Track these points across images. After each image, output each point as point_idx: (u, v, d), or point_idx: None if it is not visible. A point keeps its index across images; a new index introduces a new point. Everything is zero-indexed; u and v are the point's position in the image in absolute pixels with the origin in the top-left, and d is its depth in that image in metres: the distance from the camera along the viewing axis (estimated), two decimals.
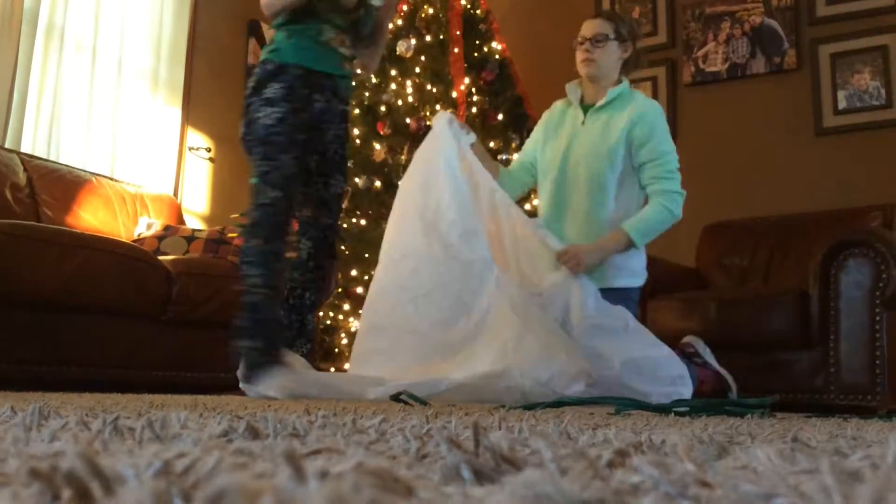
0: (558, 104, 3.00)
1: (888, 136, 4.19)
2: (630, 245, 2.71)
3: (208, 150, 4.66)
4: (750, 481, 0.33)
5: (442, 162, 2.64)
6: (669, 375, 2.62)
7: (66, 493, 0.25)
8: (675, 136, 4.65)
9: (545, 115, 3.01)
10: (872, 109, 4.25)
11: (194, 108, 4.61)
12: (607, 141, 2.73)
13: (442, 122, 2.73)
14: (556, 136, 2.87)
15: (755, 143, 4.44)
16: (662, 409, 1.88)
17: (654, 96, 4.84)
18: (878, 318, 3.15)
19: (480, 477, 0.37)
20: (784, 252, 3.98)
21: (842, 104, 4.32)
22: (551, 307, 2.60)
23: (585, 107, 2.87)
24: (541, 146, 2.92)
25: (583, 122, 2.84)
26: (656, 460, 0.36)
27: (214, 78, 4.76)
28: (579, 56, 2.86)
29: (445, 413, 1.29)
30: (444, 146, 2.66)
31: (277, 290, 2.44)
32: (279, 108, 2.40)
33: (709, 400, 2.17)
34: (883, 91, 4.24)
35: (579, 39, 2.89)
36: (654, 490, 0.32)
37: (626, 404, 1.93)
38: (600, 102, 2.80)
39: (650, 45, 4.92)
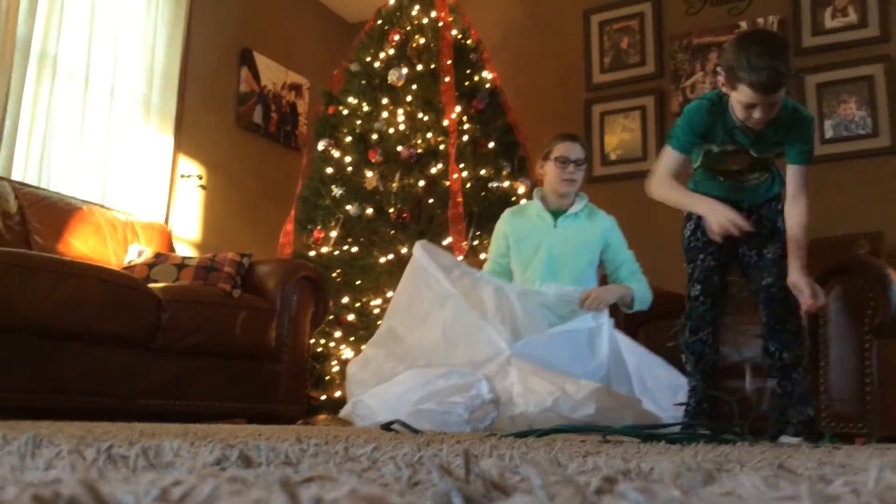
0: (507, 216, 3.40)
1: (874, 165, 4.24)
2: (630, 304, 3.22)
3: (200, 177, 4.68)
4: None
5: (427, 294, 3.03)
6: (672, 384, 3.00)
7: None
8: None
9: (504, 227, 3.38)
10: (859, 139, 4.31)
11: (186, 136, 4.63)
12: (588, 242, 3.26)
13: (417, 252, 3.10)
14: (527, 240, 3.29)
15: None
16: (653, 437, 1.88)
17: (643, 125, 4.89)
18: (867, 346, 3.17)
19: None
20: None
21: (828, 133, 4.37)
22: (574, 342, 2.96)
23: (553, 212, 3.30)
24: (510, 252, 3.35)
25: (554, 226, 3.27)
26: (643, 487, 0.37)
27: (207, 106, 4.78)
28: (562, 175, 3.24)
29: (437, 441, 1.30)
30: (426, 275, 3.03)
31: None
32: None
33: (690, 426, 2.18)
34: (869, 120, 4.30)
35: (561, 159, 3.22)
36: None
37: (616, 431, 1.93)
38: (573, 210, 3.28)
39: (639, 76, 5.00)
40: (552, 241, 3.25)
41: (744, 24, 4.66)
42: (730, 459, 0.94)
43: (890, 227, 4.07)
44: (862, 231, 3.96)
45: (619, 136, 4.96)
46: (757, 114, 2.19)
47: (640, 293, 3.24)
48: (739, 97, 2.19)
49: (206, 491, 0.32)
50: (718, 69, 2.30)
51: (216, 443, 0.97)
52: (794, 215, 2.42)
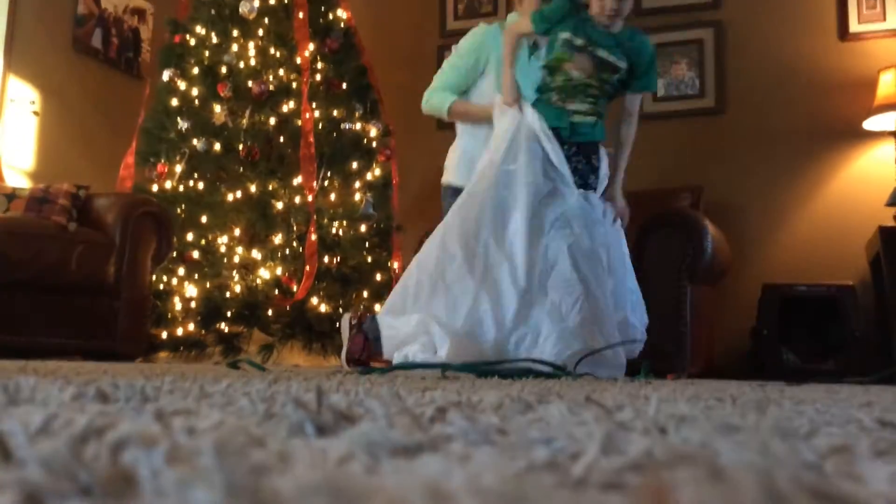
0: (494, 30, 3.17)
1: (700, 124, 4.57)
2: None
3: (32, 102, 4.37)
4: (539, 430, 0.41)
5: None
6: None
7: None
8: None
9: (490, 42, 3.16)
10: (688, 98, 4.62)
11: (18, 56, 4.30)
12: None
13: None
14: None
15: None
16: (489, 372, 2.01)
17: None
18: (682, 291, 3.47)
19: (322, 431, 0.44)
20: None
21: (660, 92, 4.65)
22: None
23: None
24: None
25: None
26: (469, 415, 0.44)
27: (41, 25, 4.45)
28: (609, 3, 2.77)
29: (284, 378, 1.35)
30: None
31: None
32: None
33: (525, 362, 2.35)
34: (697, 81, 4.61)
35: None
36: (462, 437, 0.40)
37: (454, 368, 2.05)
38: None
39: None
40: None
41: None
42: (551, 392, 1.05)
43: (710, 181, 4.42)
44: (685, 185, 4.27)
45: None
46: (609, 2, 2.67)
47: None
48: None
49: (83, 422, 0.36)
50: None
51: (61, 379, 0.98)
52: (630, 136, 2.95)
